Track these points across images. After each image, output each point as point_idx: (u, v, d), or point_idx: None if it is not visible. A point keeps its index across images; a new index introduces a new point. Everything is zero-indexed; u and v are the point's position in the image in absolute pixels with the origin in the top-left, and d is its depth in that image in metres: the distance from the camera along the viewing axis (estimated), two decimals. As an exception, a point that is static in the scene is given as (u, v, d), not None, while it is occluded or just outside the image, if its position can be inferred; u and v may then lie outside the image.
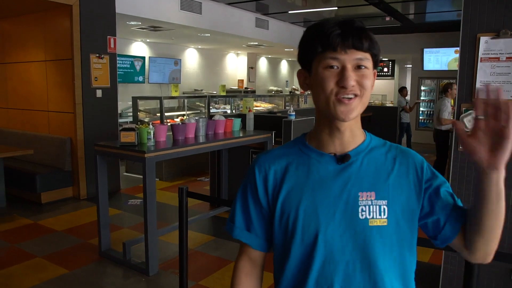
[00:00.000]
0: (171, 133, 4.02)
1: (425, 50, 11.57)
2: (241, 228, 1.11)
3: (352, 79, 0.94)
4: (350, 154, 1.02)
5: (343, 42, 0.94)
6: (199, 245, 4.08)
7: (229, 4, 8.02)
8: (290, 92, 13.36)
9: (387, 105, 13.74)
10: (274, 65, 15.33)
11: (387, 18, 9.93)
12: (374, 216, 0.97)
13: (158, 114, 7.02)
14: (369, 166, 1.02)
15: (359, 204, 0.98)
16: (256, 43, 9.96)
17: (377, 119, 9.54)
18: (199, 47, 11.04)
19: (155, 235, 3.47)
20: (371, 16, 9.73)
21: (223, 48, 11.73)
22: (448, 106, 6.34)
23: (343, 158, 1.01)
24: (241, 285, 1.12)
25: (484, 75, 2.83)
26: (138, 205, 5.40)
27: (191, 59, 11.07)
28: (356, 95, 0.95)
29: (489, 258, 0.99)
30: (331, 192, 1.00)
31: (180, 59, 10.29)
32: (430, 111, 12.23)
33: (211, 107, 8.04)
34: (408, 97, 10.24)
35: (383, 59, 14.87)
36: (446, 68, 11.07)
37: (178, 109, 8.16)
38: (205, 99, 8.04)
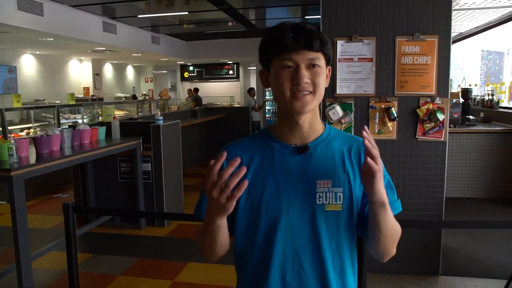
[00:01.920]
0: (33, 146, 3.63)
1: (267, 53, 12.49)
2: None
3: (305, 77, 1.05)
4: (309, 145, 1.13)
5: (295, 44, 1.04)
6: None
7: (73, 6, 7.46)
8: (143, 98, 13.00)
9: (235, 105, 14.44)
10: (120, 71, 14.71)
11: (230, 23, 10.44)
12: (330, 202, 1.09)
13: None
14: (327, 156, 1.13)
15: (317, 191, 1.09)
16: (104, 48, 9.45)
17: (230, 119, 9.95)
18: (37, 52, 9.97)
19: (30, 263, 3.09)
20: (216, 21, 10.12)
21: (65, 54, 10.80)
22: None
23: (303, 149, 1.12)
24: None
25: (342, 73, 3.27)
26: (-13, 234, 4.69)
27: (29, 66, 9.93)
28: (310, 92, 1.07)
29: (385, 258, 1.16)
30: (292, 180, 1.10)
31: (16, 66, 9.15)
32: (275, 109, 13.27)
33: (60, 117, 7.37)
34: (255, 97, 10.93)
35: (228, 62, 15.55)
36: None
37: (21, 122, 7.26)
38: (53, 110, 7.33)
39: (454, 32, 7.95)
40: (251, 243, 1.14)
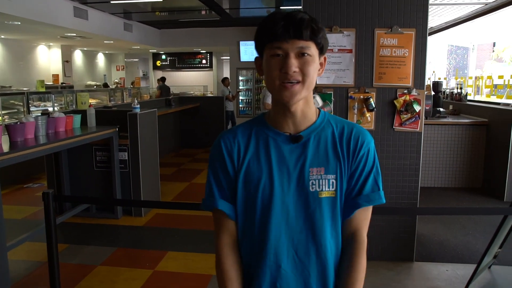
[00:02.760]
0: (6, 134, 3.52)
1: (241, 42, 12.44)
2: (221, 198, 1.17)
3: (293, 66, 1.06)
4: (303, 134, 1.14)
5: (285, 32, 1.05)
6: (53, 256, 3.69)
7: (43, -11, 7.21)
8: (115, 86, 12.74)
9: (208, 95, 14.35)
10: (90, 58, 14.34)
11: (204, 12, 10.33)
12: (323, 189, 1.12)
13: (-35, 116, 5.93)
14: (320, 143, 1.15)
15: (310, 178, 1.12)
16: (75, 34, 9.18)
17: (205, 109, 9.89)
18: (2, 37, 9.59)
19: (5, 254, 3.02)
20: (190, 10, 9.99)
21: (33, 40, 10.43)
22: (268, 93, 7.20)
23: (296, 139, 1.14)
24: (228, 258, 1.17)
25: (323, 64, 3.31)
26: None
27: (-6, 51, 9.56)
28: (298, 82, 1.07)
29: None
30: (286, 167, 1.13)
31: (-21, 52, 8.79)
32: (248, 99, 13.28)
33: (30, 105, 7.16)
34: (229, 87, 10.91)
35: (201, 51, 15.41)
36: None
37: (-13, 110, 6.99)
38: (21, 97, 7.10)
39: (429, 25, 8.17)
40: (248, 230, 1.17)
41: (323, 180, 1.12)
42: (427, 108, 5.80)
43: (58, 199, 2.49)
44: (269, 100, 7.20)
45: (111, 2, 8.51)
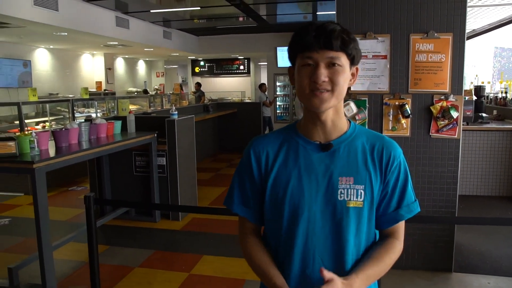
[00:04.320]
0: (52, 140, 3.72)
1: (278, 48, 12.52)
2: (239, 203, 1.24)
3: (322, 75, 1.08)
4: (333, 143, 1.17)
5: (316, 43, 1.08)
6: (94, 257, 3.85)
7: (87, 1, 7.54)
8: (155, 92, 13.11)
9: (246, 101, 14.48)
10: (131, 65, 14.81)
11: (240, 19, 10.46)
12: (352, 198, 1.13)
13: (16, 122, 6.28)
14: (350, 153, 1.16)
15: (338, 187, 1.14)
16: (116, 42, 9.54)
17: (242, 115, 10.00)
18: (51, 47, 10.09)
19: (51, 253, 3.18)
20: (228, 17, 10.15)
21: (78, 48, 10.92)
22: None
23: (326, 147, 1.16)
24: (261, 254, 1.20)
25: (357, 70, 3.30)
26: (6, 224, 4.81)
27: (43, 60, 10.06)
28: (327, 90, 1.09)
29: None
30: (315, 175, 1.15)
31: (30, 61, 9.27)
32: (286, 105, 13.30)
33: (74, 111, 7.49)
34: (266, 93, 10.97)
35: (239, 57, 15.57)
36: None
37: (36, 116, 7.39)
38: (67, 103, 7.44)
39: (467, 29, 7.93)
40: (276, 234, 1.20)
41: (352, 190, 1.14)
42: (469, 113, 5.62)
43: (98, 203, 2.60)
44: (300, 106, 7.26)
45: (151, 11, 8.79)
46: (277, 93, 12.93)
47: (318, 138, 1.18)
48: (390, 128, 3.32)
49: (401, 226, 1.22)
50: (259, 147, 1.21)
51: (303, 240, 1.15)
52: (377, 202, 1.17)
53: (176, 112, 4.98)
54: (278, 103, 13.05)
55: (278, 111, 13.19)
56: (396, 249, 1.19)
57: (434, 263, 3.41)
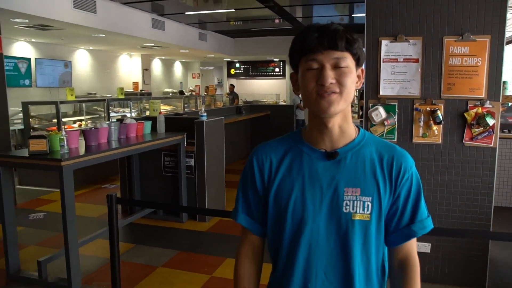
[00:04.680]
0: (82, 139, 3.81)
1: (313, 51, 12.39)
2: (242, 213, 1.19)
3: (329, 77, 1.01)
4: (339, 151, 1.09)
5: (319, 44, 1.01)
6: (120, 254, 3.91)
7: (124, 3, 7.74)
8: (190, 93, 13.29)
9: (280, 103, 14.42)
10: (168, 66, 15.09)
11: (276, 21, 10.44)
12: (358, 211, 1.06)
13: (54, 120, 6.51)
14: (357, 163, 1.08)
15: (344, 199, 1.06)
16: (152, 44, 9.73)
17: (275, 117, 9.95)
18: (91, 48, 10.44)
19: (77, 249, 3.26)
20: (263, 19, 10.15)
21: (116, 50, 11.23)
22: None
23: (331, 155, 1.09)
24: (244, 268, 1.19)
25: (386, 74, 3.19)
26: (41, 219, 4.97)
27: (82, 61, 10.42)
28: (335, 93, 1.02)
29: None
30: (319, 185, 1.08)
31: (70, 61, 9.62)
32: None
33: (110, 111, 7.69)
34: (301, 96, 10.86)
35: (274, 59, 15.55)
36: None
37: (74, 114, 7.64)
38: (103, 103, 7.65)
39: (508, 32, 7.53)
40: (278, 245, 1.14)
41: (358, 202, 1.06)
42: (510, 120, 5.35)
43: (120, 202, 2.63)
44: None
45: (186, 13, 8.92)
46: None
47: (323, 145, 1.10)
48: (421, 135, 3.19)
49: (414, 244, 1.14)
50: (262, 154, 1.16)
51: (305, 253, 1.08)
52: (386, 216, 1.10)
53: (205, 114, 5.00)
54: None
55: (311, 114, 13.05)
56: (418, 278, 1.13)
57: (466, 279, 3.23)
